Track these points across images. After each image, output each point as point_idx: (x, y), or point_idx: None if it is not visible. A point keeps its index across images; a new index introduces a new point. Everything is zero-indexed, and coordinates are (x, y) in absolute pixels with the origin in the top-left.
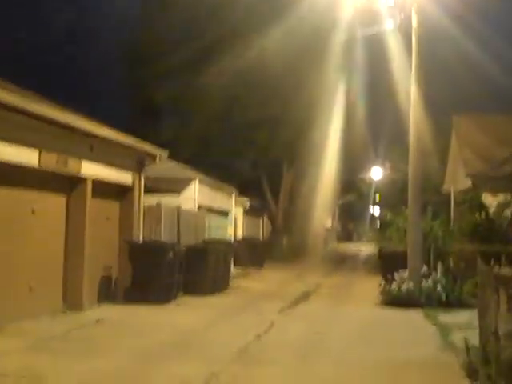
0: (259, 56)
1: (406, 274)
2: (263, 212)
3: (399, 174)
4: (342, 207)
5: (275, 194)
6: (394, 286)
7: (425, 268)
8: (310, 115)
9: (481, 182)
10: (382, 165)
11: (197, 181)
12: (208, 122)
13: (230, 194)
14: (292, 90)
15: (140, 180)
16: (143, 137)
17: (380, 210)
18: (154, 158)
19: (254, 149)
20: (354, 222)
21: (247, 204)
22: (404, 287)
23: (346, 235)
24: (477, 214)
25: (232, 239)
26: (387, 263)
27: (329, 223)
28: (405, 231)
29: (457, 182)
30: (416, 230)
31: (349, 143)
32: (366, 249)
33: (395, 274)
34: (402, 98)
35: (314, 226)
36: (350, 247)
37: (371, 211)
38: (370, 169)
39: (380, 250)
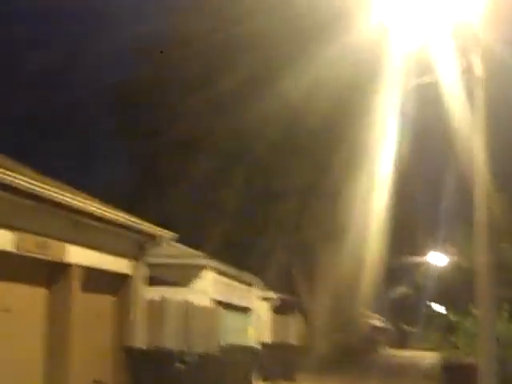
0: (287, 109)
1: None
2: (294, 308)
3: (465, 261)
4: (392, 302)
5: (309, 285)
6: None
7: None
8: (350, 182)
9: None
10: (442, 248)
11: (210, 269)
12: (224, 192)
13: (251, 286)
14: (327, 151)
15: (140, 268)
16: (143, 211)
17: (441, 306)
18: (157, 240)
19: (280, 225)
20: (408, 321)
21: (274, 298)
22: None
23: (400, 338)
24: None
25: (255, 344)
26: (453, 379)
27: (377, 322)
28: (474, 337)
29: None
30: (489, 337)
31: (398, 219)
32: (426, 357)
33: None
34: (464, 161)
35: (359, 326)
36: (406, 354)
37: (430, 308)
38: (425, 253)
39: (444, 362)
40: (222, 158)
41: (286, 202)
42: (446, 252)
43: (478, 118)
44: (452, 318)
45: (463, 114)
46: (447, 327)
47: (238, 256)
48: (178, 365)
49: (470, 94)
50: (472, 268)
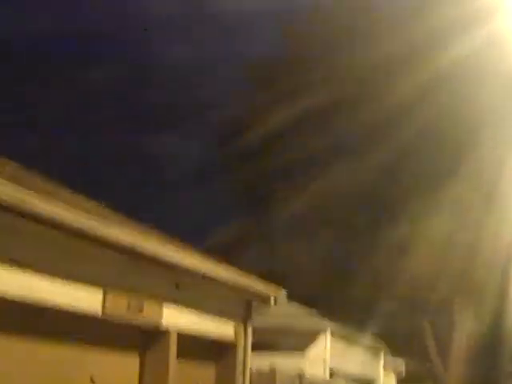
0: None
1: None
2: (426, 380)
3: None
4: None
5: (443, 352)
6: None
7: None
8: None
9: None
10: None
11: (328, 333)
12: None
13: (376, 354)
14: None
15: (246, 333)
16: (245, 259)
17: None
18: (267, 300)
19: (409, 281)
20: None
21: (402, 368)
22: None
23: None
24: None
25: None
26: None
27: None
28: None
29: None
30: None
31: None
32: None
33: None
34: None
35: None
36: None
37: None
38: None
39: None
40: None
41: (418, 251)
42: None
43: None
44: None
45: None
46: None
47: (362, 317)
48: None
49: None
50: None
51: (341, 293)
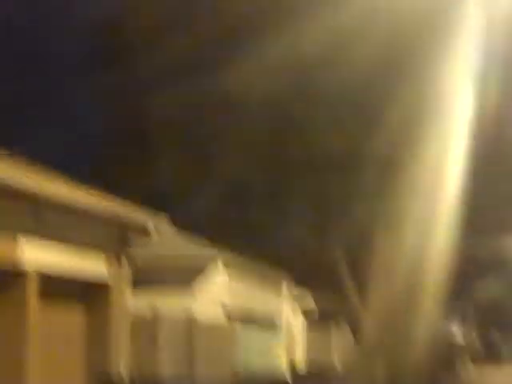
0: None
1: None
2: (339, 318)
3: None
4: (478, 304)
5: (360, 285)
6: None
7: None
8: (411, 148)
9: None
10: None
11: (221, 267)
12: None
13: (279, 289)
14: (379, 106)
15: (121, 271)
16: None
17: None
18: (145, 230)
19: (319, 201)
20: (502, 329)
21: (310, 304)
22: None
23: (490, 354)
24: None
25: (284, 370)
26: None
27: (456, 333)
28: None
29: None
30: None
31: (481, 190)
32: None
33: None
34: None
35: (431, 340)
36: (498, 376)
37: None
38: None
39: None
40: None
41: (324, 173)
42: None
43: None
44: None
45: None
46: None
47: (261, 247)
48: None
49: None
50: None
51: (238, 217)
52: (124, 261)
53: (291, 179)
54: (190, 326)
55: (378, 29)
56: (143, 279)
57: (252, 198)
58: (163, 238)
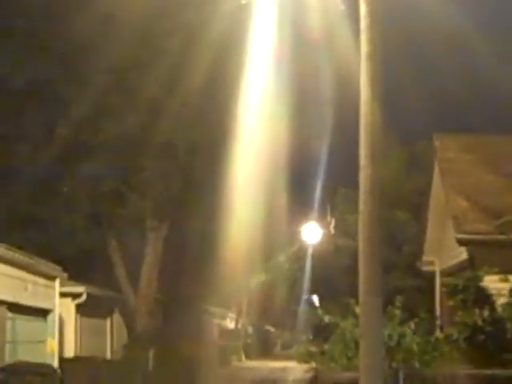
0: None
1: None
2: (113, 306)
3: (347, 240)
4: (253, 294)
5: (133, 273)
6: None
7: None
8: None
9: (482, 253)
10: (321, 219)
11: None
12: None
13: (51, 280)
14: None
15: None
16: None
17: (319, 300)
18: None
19: (92, 192)
20: (276, 321)
21: (83, 294)
22: None
23: (264, 344)
24: (476, 311)
25: (55, 361)
26: None
27: (229, 322)
28: (356, 343)
29: (443, 252)
30: (373, 343)
31: (267, 176)
32: (293, 371)
33: None
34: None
35: (204, 329)
36: (267, 366)
37: (306, 300)
38: (301, 223)
39: (313, 378)
40: None
41: (101, 158)
42: (323, 224)
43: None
44: (323, 316)
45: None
46: (321, 329)
47: (32, 236)
48: None
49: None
50: (355, 248)
51: (8, 208)
52: None
53: (65, 166)
54: None
55: None
56: None
57: (22, 187)
58: None
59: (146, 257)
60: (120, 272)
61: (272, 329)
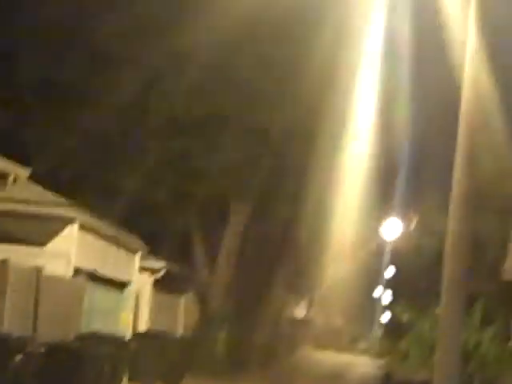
0: None
1: None
2: (187, 285)
3: (431, 239)
4: (328, 285)
5: (212, 255)
6: None
7: None
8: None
9: None
10: (404, 216)
11: (77, 225)
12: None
13: (132, 253)
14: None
15: None
16: None
17: (393, 296)
18: (8, 179)
19: (179, 170)
20: (346, 313)
21: (161, 270)
22: None
23: (332, 336)
24: None
25: (128, 332)
26: None
27: (300, 311)
28: (432, 345)
29: None
30: (451, 347)
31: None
32: (364, 364)
33: None
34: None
35: (275, 316)
36: (334, 360)
37: (378, 296)
38: (382, 219)
39: (387, 376)
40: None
41: (194, 136)
42: (405, 221)
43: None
44: (401, 315)
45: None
46: (396, 327)
47: (114, 208)
48: (18, 357)
49: None
50: (439, 248)
51: (101, 177)
52: None
53: (152, 141)
54: (38, 280)
55: None
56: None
57: (112, 159)
58: (21, 189)
59: (226, 239)
60: (199, 252)
61: (341, 321)
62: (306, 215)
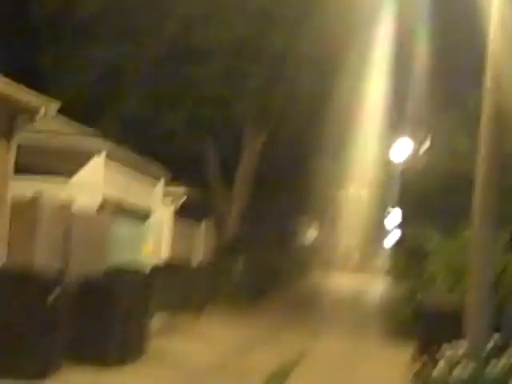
0: None
1: (461, 348)
2: (206, 211)
3: (445, 159)
4: (338, 206)
5: (229, 181)
6: (441, 369)
7: (496, 339)
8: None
9: None
10: (417, 137)
11: (103, 155)
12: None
13: (155, 181)
14: None
15: (9, 153)
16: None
17: (403, 219)
18: (34, 113)
19: (197, 94)
20: (357, 234)
21: (183, 196)
22: (458, 373)
23: (343, 255)
24: None
25: (151, 263)
26: (428, 326)
27: (312, 234)
28: (462, 270)
29: None
30: (485, 269)
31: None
32: (376, 286)
33: (443, 349)
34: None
35: (291, 239)
36: (346, 281)
37: (388, 218)
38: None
39: (418, 302)
40: None
41: (209, 62)
42: (418, 142)
43: None
44: (428, 239)
45: None
46: (414, 250)
47: (137, 136)
48: (54, 293)
49: None
50: (455, 170)
51: (116, 107)
52: (12, 145)
53: (172, 67)
54: (70, 214)
55: None
56: (27, 163)
57: (126, 86)
58: (50, 123)
59: (242, 161)
60: (215, 175)
61: (353, 241)
62: (317, 137)
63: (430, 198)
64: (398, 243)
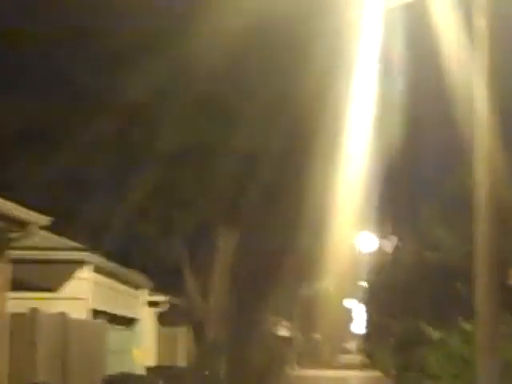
0: None
1: None
2: (185, 317)
3: (422, 250)
4: (305, 304)
5: (203, 285)
6: None
7: None
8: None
9: None
10: (380, 230)
11: (90, 267)
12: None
13: (139, 290)
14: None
15: (4, 267)
16: None
17: (367, 312)
18: (25, 227)
19: (168, 201)
20: (324, 330)
21: (165, 303)
22: None
23: (312, 352)
24: None
25: (142, 369)
26: None
27: (284, 330)
28: (466, 361)
29: None
30: (491, 364)
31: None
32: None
33: None
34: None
35: (265, 337)
36: (327, 374)
37: (352, 309)
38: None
39: None
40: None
41: (181, 163)
42: (387, 236)
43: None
44: (432, 332)
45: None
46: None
47: (116, 247)
48: None
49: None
50: (441, 260)
51: (88, 212)
52: (5, 260)
53: (138, 173)
54: (66, 326)
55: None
56: (18, 278)
57: (98, 195)
58: (40, 238)
59: (216, 265)
60: (191, 283)
61: (319, 336)
62: (291, 238)
63: (400, 291)
64: (373, 335)
